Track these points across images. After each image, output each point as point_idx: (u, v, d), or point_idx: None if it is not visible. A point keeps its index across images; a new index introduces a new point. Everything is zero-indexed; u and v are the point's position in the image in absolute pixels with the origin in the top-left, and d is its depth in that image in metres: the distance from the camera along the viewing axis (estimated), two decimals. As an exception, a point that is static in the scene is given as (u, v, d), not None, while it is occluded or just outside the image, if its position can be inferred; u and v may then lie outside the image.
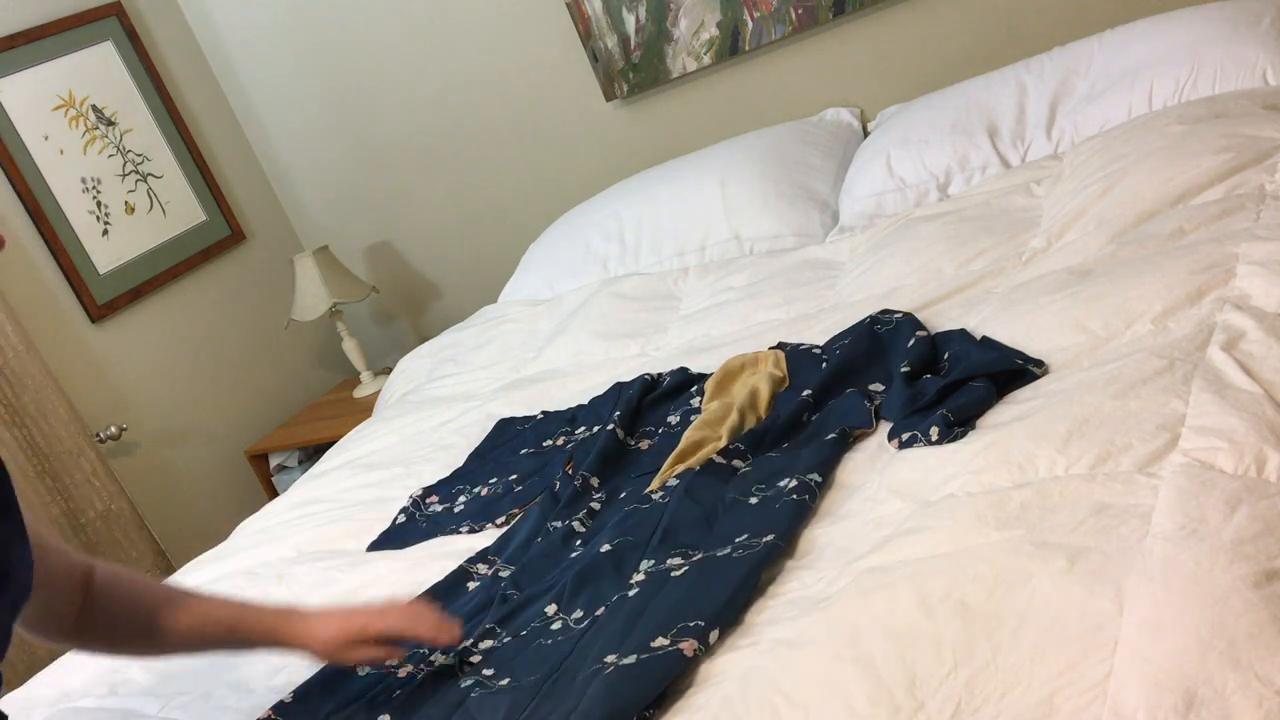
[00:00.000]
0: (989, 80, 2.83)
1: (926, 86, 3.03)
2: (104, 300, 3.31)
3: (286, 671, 1.77)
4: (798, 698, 1.29)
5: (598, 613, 1.61)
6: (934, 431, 1.72)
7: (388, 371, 3.59)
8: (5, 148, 3.15)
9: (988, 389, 1.78)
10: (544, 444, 2.32)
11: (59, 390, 3.06)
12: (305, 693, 1.65)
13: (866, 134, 3.10)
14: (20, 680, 2.32)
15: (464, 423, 2.58)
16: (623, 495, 1.98)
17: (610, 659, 1.46)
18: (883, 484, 1.67)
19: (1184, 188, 2.17)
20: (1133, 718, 1.11)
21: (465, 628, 1.73)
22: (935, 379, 1.88)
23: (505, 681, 1.54)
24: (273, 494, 3.54)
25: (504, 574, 1.84)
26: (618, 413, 2.20)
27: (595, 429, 2.25)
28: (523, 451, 2.32)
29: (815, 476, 1.75)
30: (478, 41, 3.44)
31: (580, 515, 1.92)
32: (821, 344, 2.19)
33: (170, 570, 2.99)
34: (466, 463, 2.37)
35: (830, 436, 1.86)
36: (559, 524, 1.92)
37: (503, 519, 2.08)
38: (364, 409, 3.41)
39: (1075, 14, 2.89)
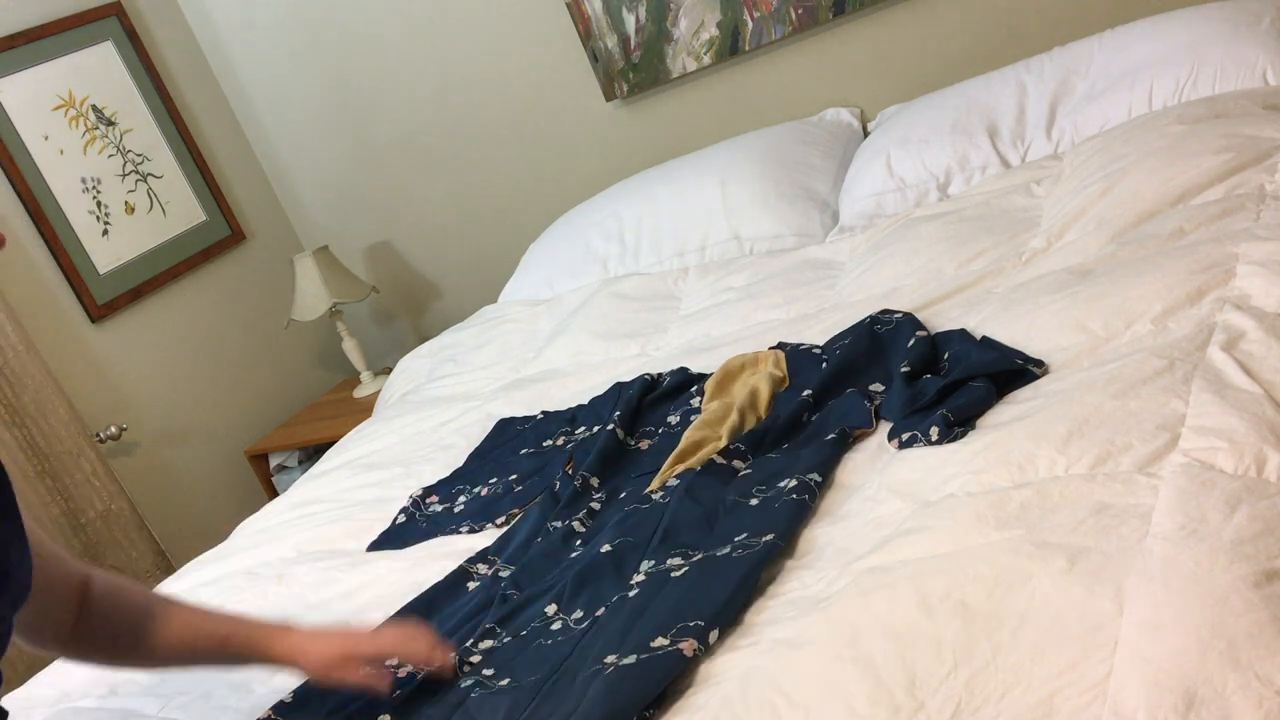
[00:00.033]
0: (989, 80, 2.83)
1: (926, 86, 3.03)
2: (104, 300, 3.31)
3: (286, 671, 1.77)
4: (798, 698, 1.29)
5: (598, 613, 1.61)
6: (934, 431, 1.72)
7: (388, 371, 3.59)
8: (5, 148, 3.15)
9: (988, 389, 1.78)
10: (544, 444, 2.32)
11: (59, 390, 3.06)
12: (305, 693, 1.65)
13: (866, 134, 3.10)
14: (20, 680, 2.32)
15: (464, 423, 2.58)
16: (623, 495, 1.98)
17: (610, 659, 1.46)
18: (883, 484, 1.67)
19: (1184, 188, 2.17)
20: (1133, 718, 1.11)
21: (465, 628, 1.73)
22: (935, 379, 1.88)
23: (505, 681, 1.54)
24: (273, 494, 3.54)
25: (504, 574, 1.84)
26: (618, 413, 2.20)
27: (595, 429, 2.25)
28: (523, 451, 2.32)
29: (815, 476, 1.75)
30: (478, 41, 3.44)
31: (580, 515, 1.92)
32: (821, 344, 2.19)
33: (170, 570, 3.00)
34: (466, 463, 2.37)
35: (830, 436, 1.86)
36: (559, 524, 1.92)
37: (503, 519, 2.08)
38: (364, 409, 3.41)
39: (1075, 14, 2.89)
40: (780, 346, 2.24)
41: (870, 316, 2.17)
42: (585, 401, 2.43)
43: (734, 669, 1.41)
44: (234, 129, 3.82)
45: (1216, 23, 2.56)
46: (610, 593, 1.64)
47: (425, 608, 1.83)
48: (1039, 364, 1.83)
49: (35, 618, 1.35)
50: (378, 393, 3.39)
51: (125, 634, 1.43)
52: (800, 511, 1.68)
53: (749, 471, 1.86)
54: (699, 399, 2.17)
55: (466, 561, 1.92)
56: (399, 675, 1.62)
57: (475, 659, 1.62)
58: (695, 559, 1.64)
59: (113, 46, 3.46)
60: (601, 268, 3.05)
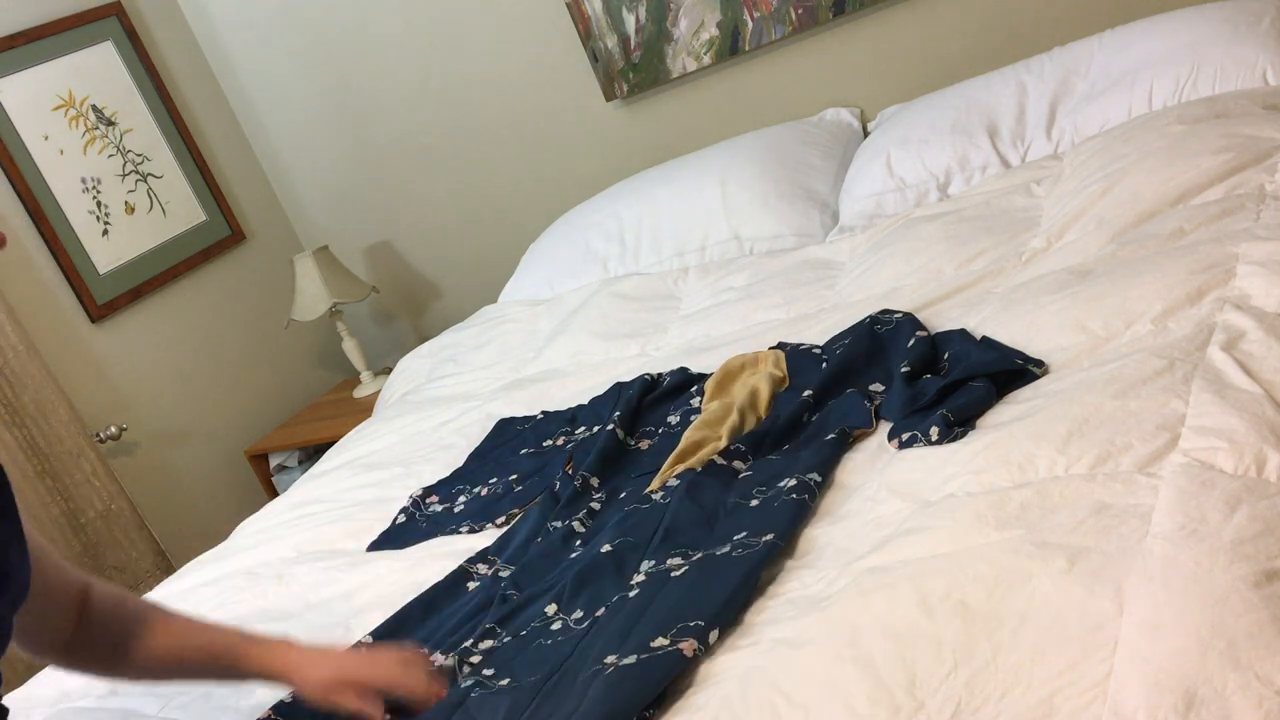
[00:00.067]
0: (989, 80, 2.83)
1: (926, 86, 3.03)
2: (104, 300, 3.31)
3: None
4: (798, 698, 1.29)
5: (598, 613, 1.61)
6: (934, 431, 1.72)
7: (388, 371, 3.59)
8: (5, 148, 3.15)
9: (988, 389, 1.78)
10: (544, 444, 2.32)
11: (59, 390, 3.06)
12: (305, 693, 1.65)
13: (866, 134, 3.10)
14: (20, 680, 2.32)
15: (464, 423, 2.58)
16: (622, 495, 1.98)
17: (610, 659, 1.46)
18: (883, 484, 1.67)
19: (1184, 188, 2.17)
20: (1133, 718, 1.11)
21: (465, 628, 1.73)
22: (935, 379, 1.89)
23: (505, 682, 1.54)
24: (273, 494, 3.54)
25: (504, 574, 1.84)
26: (618, 413, 2.19)
27: (595, 429, 2.25)
28: (523, 451, 2.32)
29: (815, 476, 1.75)
30: (478, 41, 3.44)
31: (580, 515, 1.92)
32: (821, 344, 2.19)
33: (170, 570, 3.00)
34: (466, 463, 2.37)
35: (830, 436, 1.86)
36: (559, 524, 1.92)
37: (503, 519, 2.08)
38: (364, 409, 3.41)
39: (1075, 14, 2.89)
40: (780, 346, 2.24)
41: (870, 316, 2.17)
42: (585, 401, 2.43)
43: (734, 669, 1.41)
44: (234, 129, 3.82)
45: (1216, 23, 2.56)
46: (610, 593, 1.64)
47: (425, 608, 1.83)
48: (1039, 364, 1.83)
49: (35, 625, 1.34)
50: (378, 393, 3.39)
51: (123, 643, 1.43)
52: (800, 511, 1.68)
53: (749, 473, 1.86)
54: (699, 399, 2.17)
55: (466, 561, 1.92)
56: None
57: (475, 659, 1.61)
58: (695, 559, 1.64)
59: (113, 46, 3.46)
60: (601, 268, 3.05)
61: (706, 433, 2.00)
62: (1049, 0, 2.92)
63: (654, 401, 2.26)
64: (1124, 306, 1.86)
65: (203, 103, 3.73)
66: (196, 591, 2.22)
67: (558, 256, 3.18)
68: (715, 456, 1.91)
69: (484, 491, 2.21)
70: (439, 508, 2.21)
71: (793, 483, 1.74)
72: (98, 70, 3.42)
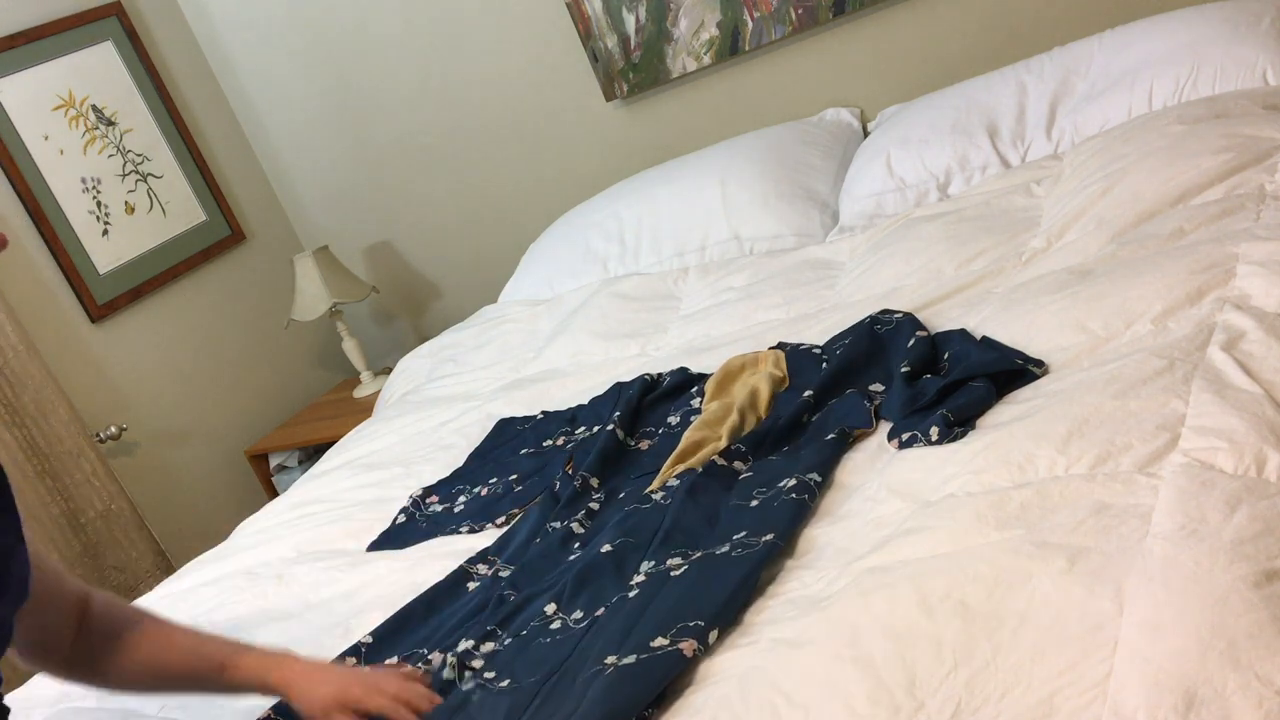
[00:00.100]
0: (989, 80, 2.83)
1: (926, 86, 3.03)
2: (104, 300, 3.31)
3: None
4: (797, 698, 1.29)
5: (598, 613, 1.61)
6: (934, 431, 1.72)
7: (388, 371, 3.59)
8: (5, 148, 3.15)
9: (988, 389, 1.78)
10: (544, 444, 2.31)
11: (59, 390, 3.06)
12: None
13: (866, 134, 3.10)
14: (20, 680, 2.32)
15: (464, 423, 2.58)
16: (621, 496, 1.97)
17: (610, 659, 1.46)
18: (883, 484, 1.67)
19: (1184, 188, 2.17)
20: (1133, 718, 1.11)
21: (465, 628, 1.73)
22: (935, 379, 1.89)
23: (506, 683, 1.54)
24: (273, 494, 3.54)
25: (504, 574, 1.84)
26: (618, 413, 2.19)
27: (595, 429, 2.25)
28: (523, 451, 2.32)
29: (815, 476, 1.75)
30: (478, 41, 3.44)
31: (579, 516, 1.92)
32: (821, 344, 2.19)
33: (170, 570, 3.00)
34: (466, 463, 2.37)
35: (830, 436, 1.86)
36: (558, 524, 1.92)
37: (503, 519, 2.08)
38: (364, 409, 3.41)
39: (1075, 14, 2.89)
40: (780, 346, 2.24)
41: (870, 316, 2.17)
42: (585, 401, 2.43)
43: (733, 668, 1.41)
44: (234, 129, 3.82)
45: (1216, 23, 2.56)
46: (610, 593, 1.64)
47: (425, 608, 1.83)
48: (1039, 364, 1.83)
49: (36, 634, 1.34)
50: (378, 393, 3.39)
51: (120, 652, 1.42)
52: (800, 511, 1.68)
53: (749, 473, 1.86)
54: (699, 399, 2.17)
55: (466, 561, 1.92)
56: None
57: (477, 663, 1.61)
58: (695, 559, 1.64)
59: (113, 46, 3.46)
60: (601, 268, 3.05)
61: (706, 433, 1.99)
62: (1049, 0, 2.92)
63: (654, 402, 2.26)
64: (1124, 306, 1.86)
65: (203, 103, 3.73)
66: (196, 591, 2.22)
67: (558, 256, 3.18)
68: (715, 457, 1.91)
69: (484, 491, 2.21)
70: (439, 508, 2.21)
71: (793, 483, 1.74)
72: (98, 70, 3.42)
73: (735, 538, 1.65)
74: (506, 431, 2.44)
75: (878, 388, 1.99)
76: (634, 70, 3.28)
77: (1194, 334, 1.72)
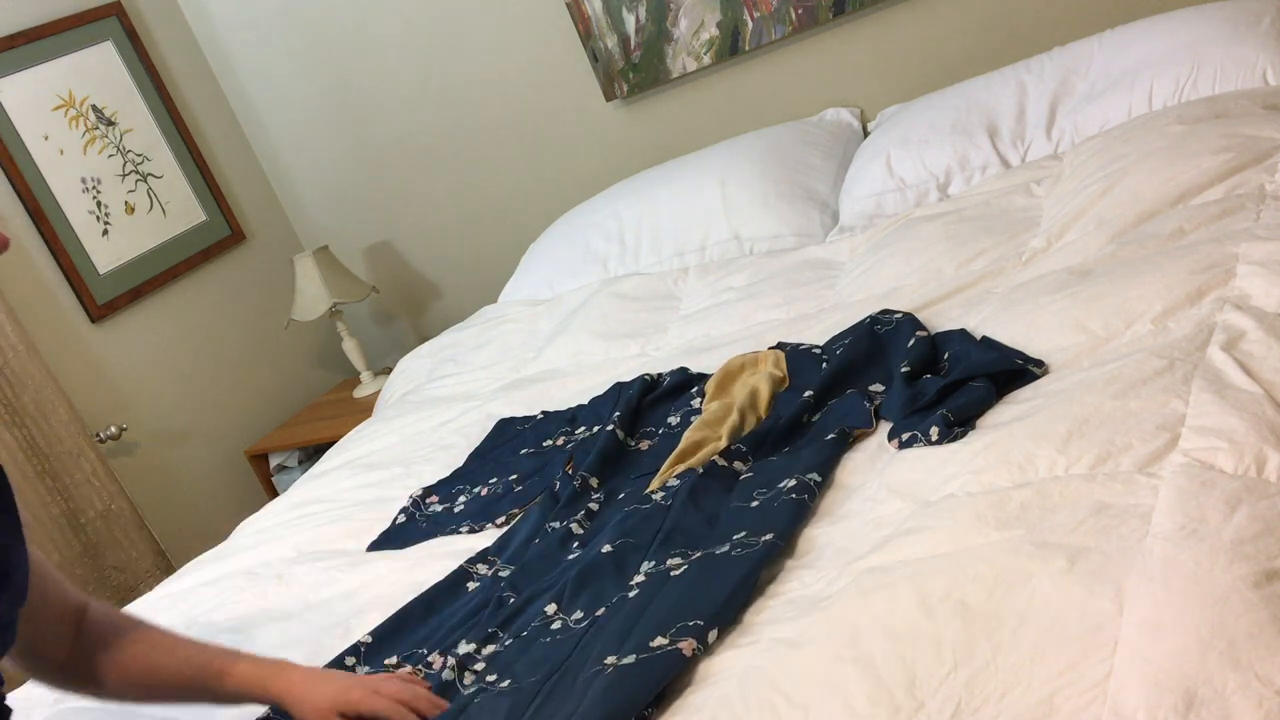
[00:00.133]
0: (989, 80, 2.83)
1: (926, 86, 3.03)
2: (104, 300, 3.31)
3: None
4: (797, 697, 1.29)
5: (598, 613, 1.61)
6: (934, 431, 1.72)
7: (388, 371, 3.59)
8: (5, 148, 3.15)
9: (988, 389, 1.78)
10: (544, 444, 2.31)
11: (59, 390, 3.06)
12: (305, 693, 1.65)
13: (866, 134, 3.10)
14: (21, 680, 2.32)
15: (464, 423, 2.58)
16: (621, 496, 1.97)
17: (610, 659, 1.46)
18: (883, 484, 1.67)
19: (1184, 188, 2.17)
20: (1133, 718, 1.11)
21: (464, 629, 1.73)
22: (935, 379, 1.88)
23: (506, 683, 1.54)
24: (273, 494, 3.54)
25: (503, 574, 1.84)
26: (617, 413, 2.19)
27: (595, 429, 2.25)
28: (523, 451, 2.32)
29: (815, 476, 1.75)
30: (478, 41, 3.44)
31: (579, 516, 1.92)
32: (821, 344, 2.19)
33: (170, 570, 3.00)
34: (466, 463, 2.37)
35: (830, 437, 1.86)
36: (557, 524, 1.92)
37: (503, 519, 2.07)
38: (364, 409, 3.41)
39: (1075, 14, 2.89)
40: (780, 346, 2.24)
41: (870, 316, 2.17)
42: (585, 401, 2.43)
43: (733, 668, 1.41)
44: (234, 129, 3.82)
45: (1216, 23, 2.56)
46: (610, 593, 1.64)
47: (425, 608, 1.83)
48: (1039, 364, 1.83)
49: (33, 642, 1.33)
50: (378, 393, 3.39)
51: (120, 662, 1.41)
52: (800, 511, 1.68)
53: (750, 474, 1.85)
54: (699, 399, 2.17)
55: (466, 561, 1.91)
56: None
57: (479, 666, 1.61)
58: (695, 558, 1.64)
59: (113, 46, 3.46)
60: (601, 268, 3.05)
61: (706, 433, 1.99)
62: (1049, 0, 2.92)
63: (654, 402, 2.26)
64: (1124, 306, 1.86)
65: (203, 103, 3.73)
66: (196, 591, 2.22)
67: (558, 256, 3.18)
68: (715, 457, 1.91)
69: (484, 491, 2.21)
70: (439, 508, 2.21)
71: (793, 483, 1.74)
72: (98, 70, 3.42)
73: (735, 538, 1.65)
74: (506, 431, 2.44)
75: (878, 388, 1.99)
76: (634, 70, 3.28)
77: (1194, 334, 1.72)
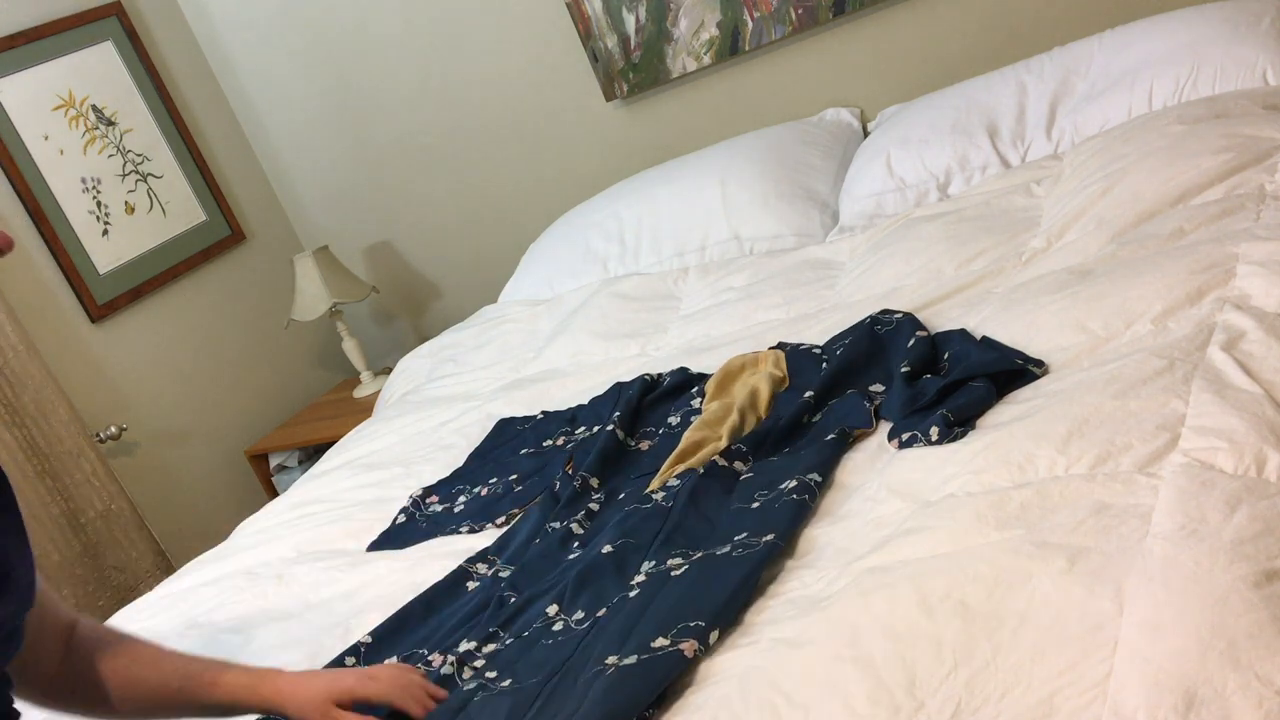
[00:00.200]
0: (989, 80, 2.83)
1: (926, 86, 3.03)
2: (104, 300, 3.31)
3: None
4: (797, 697, 1.29)
5: (599, 613, 1.61)
6: (934, 431, 1.72)
7: (388, 371, 3.59)
8: (5, 148, 3.15)
9: (988, 389, 1.78)
10: (544, 444, 2.31)
11: (59, 390, 3.06)
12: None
13: (866, 134, 3.10)
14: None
15: (464, 423, 2.58)
16: (621, 496, 1.97)
17: (611, 660, 1.46)
18: (883, 484, 1.67)
19: (1184, 188, 2.17)
20: (1133, 718, 1.11)
21: (464, 629, 1.73)
22: (935, 379, 1.88)
23: (507, 683, 1.54)
24: (273, 494, 3.54)
25: (503, 574, 1.84)
26: (617, 413, 2.19)
27: (595, 429, 2.25)
28: (523, 451, 2.32)
29: (815, 476, 1.75)
30: (478, 41, 3.44)
31: (579, 516, 1.92)
32: (821, 344, 2.19)
33: (170, 570, 3.00)
34: (466, 463, 2.37)
35: (830, 437, 1.86)
36: (557, 524, 1.92)
37: (503, 519, 2.07)
38: (364, 409, 3.41)
39: (1075, 14, 2.89)
40: (780, 346, 2.24)
41: (870, 317, 2.17)
42: (585, 401, 2.43)
43: (734, 668, 1.41)
44: (234, 129, 3.82)
45: (1216, 23, 2.56)
46: (611, 593, 1.64)
47: (425, 608, 1.83)
48: (1039, 364, 1.83)
49: (25, 659, 1.30)
50: (378, 393, 3.39)
51: (111, 676, 1.39)
52: (800, 511, 1.68)
53: (750, 474, 1.85)
54: (699, 399, 2.17)
55: (466, 561, 1.91)
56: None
57: (479, 663, 1.61)
58: (695, 559, 1.64)
59: (113, 46, 3.46)
60: (601, 268, 3.05)
61: (707, 433, 1.99)
62: (1049, 0, 2.92)
63: (654, 402, 2.26)
64: (1124, 306, 1.86)
65: (203, 103, 3.73)
66: (196, 591, 2.22)
67: (558, 256, 3.18)
68: (716, 457, 1.91)
69: (484, 491, 2.21)
70: (439, 508, 2.21)
71: (793, 483, 1.74)
72: (98, 70, 3.42)
73: (736, 538, 1.65)
74: (506, 431, 2.44)
75: (878, 388, 1.99)
76: (634, 70, 3.28)
77: (1194, 334, 1.72)
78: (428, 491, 2.27)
